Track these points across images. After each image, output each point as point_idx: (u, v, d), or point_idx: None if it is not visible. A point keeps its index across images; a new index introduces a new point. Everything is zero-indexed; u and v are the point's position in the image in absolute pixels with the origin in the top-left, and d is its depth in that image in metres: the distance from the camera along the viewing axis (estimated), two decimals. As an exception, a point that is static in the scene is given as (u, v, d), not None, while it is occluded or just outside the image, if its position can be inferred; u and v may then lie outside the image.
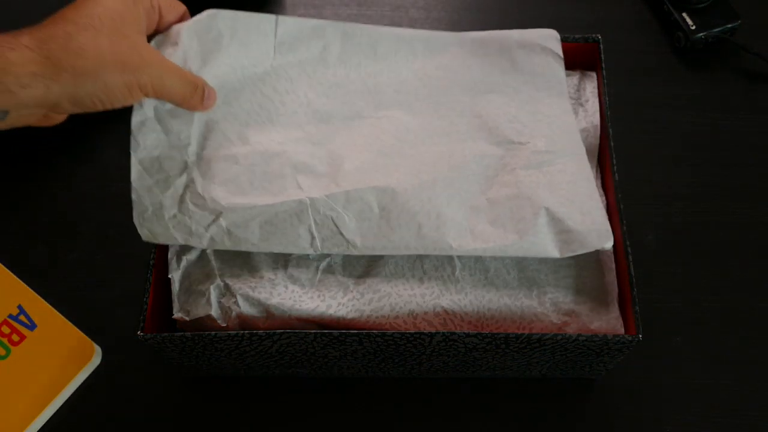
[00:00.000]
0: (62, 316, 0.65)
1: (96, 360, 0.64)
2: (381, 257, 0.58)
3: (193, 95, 0.53)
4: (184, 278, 0.58)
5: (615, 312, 0.57)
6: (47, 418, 0.62)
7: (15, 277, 0.66)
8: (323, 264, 0.58)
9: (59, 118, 0.53)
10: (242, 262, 0.58)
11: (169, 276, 0.58)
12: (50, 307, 0.65)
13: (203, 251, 0.59)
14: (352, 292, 0.57)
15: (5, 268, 0.66)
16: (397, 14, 0.84)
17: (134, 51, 0.48)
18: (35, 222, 0.71)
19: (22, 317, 0.64)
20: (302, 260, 0.58)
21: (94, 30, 0.47)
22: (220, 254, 0.58)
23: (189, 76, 0.53)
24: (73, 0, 0.48)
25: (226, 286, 0.56)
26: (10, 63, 0.44)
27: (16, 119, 0.47)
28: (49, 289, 0.66)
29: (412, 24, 0.83)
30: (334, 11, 0.84)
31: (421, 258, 0.58)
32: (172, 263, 0.58)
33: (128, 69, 0.48)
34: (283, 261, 0.58)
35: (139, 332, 0.53)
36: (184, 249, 0.59)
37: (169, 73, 0.51)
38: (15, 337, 0.63)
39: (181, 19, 0.55)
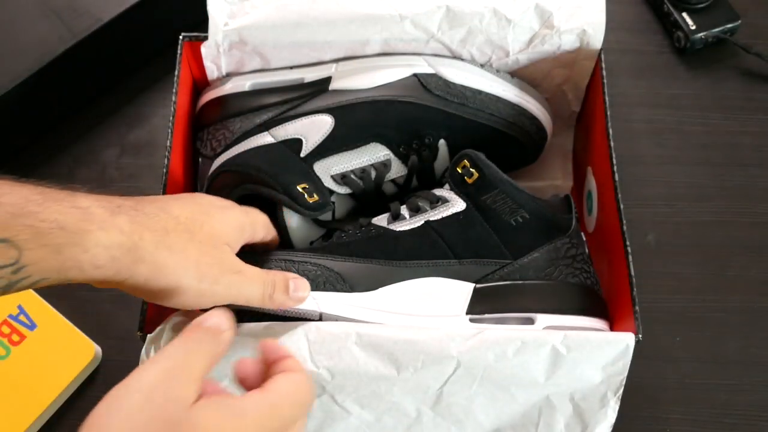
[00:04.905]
0: (62, 316, 0.65)
1: (96, 360, 0.64)
2: None
3: (272, 294, 0.49)
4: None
5: None
6: (47, 418, 0.62)
7: (15, 277, 0.66)
8: None
9: None
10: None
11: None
12: (50, 307, 0.65)
13: None
14: None
15: (5, 268, 0.66)
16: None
17: (218, 265, 0.46)
18: (35, 222, 0.71)
19: (22, 317, 0.64)
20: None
21: (189, 234, 0.45)
22: None
23: (269, 276, 0.49)
24: None
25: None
26: (95, 243, 0.41)
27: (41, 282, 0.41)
28: (49, 289, 0.65)
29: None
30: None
31: None
32: None
33: (205, 280, 0.45)
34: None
35: (138, 332, 0.53)
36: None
37: (247, 283, 0.48)
38: (15, 337, 0.63)
39: (271, 242, 0.56)
